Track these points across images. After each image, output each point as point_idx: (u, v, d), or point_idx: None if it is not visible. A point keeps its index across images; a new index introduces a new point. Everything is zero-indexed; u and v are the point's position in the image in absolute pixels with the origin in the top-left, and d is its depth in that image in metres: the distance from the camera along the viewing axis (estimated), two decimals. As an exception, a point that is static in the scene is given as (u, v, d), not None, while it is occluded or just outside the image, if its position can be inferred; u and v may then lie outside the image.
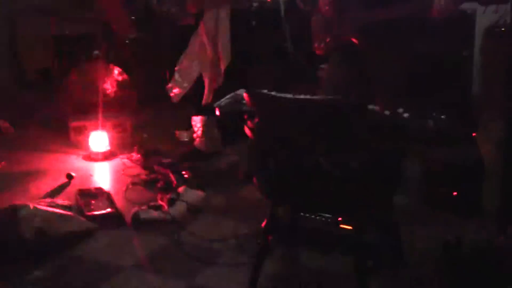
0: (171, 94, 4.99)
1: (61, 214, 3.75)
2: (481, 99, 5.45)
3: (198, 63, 4.83)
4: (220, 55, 4.69)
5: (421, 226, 3.73)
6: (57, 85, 6.42)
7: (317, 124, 2.60)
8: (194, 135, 5.09)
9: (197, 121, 5.02)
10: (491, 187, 3.91)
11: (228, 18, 4.66)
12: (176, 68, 5.03)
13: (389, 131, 2.61)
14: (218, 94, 4.65)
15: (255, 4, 6.07)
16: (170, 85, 5.00)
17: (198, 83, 4.86)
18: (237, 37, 4.73)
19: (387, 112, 2.63)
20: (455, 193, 3.86)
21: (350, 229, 2.89)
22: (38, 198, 4.17)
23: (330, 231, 3.07)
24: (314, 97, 2.73)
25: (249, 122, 2.81)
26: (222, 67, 4.71)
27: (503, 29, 5.02)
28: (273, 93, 2.73)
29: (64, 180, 4.69)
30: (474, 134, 4.85)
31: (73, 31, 6.76)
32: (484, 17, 4.96)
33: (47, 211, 3.71)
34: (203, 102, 4.79)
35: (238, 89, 3.13)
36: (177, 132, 5.59)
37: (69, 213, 3.87)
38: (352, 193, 2.70)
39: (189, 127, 5.33)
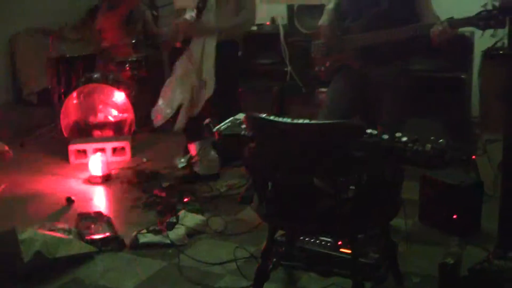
0: (153, 119, 5.00)
1: (60, 238, 3.75)
2: (480, 121, 5.47)
3: (181, 89, 4.83)
4: (204, 84, 4.70)
5: (419, 247, 3.74)
6: (56, 107, 6.43)
7: (316, 148, 2.61)
8: (193, 160, 5.09)
9: (194, 146, 5.02)
10: (490, 209, 3.92)
11: (214, 47, 4.66)
12: (160, 94, 5.04)
13: (387, 155, 2.62)
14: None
15: (253, 28, 6.11)
16: (154, 108, 5.00)
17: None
18: (225, 64, 4.73)
19: (385, 136, 2.64)
20: (455, 216, 3.85)
21: (349, 252, 2.88)
22: (38, 222, 4.17)
23: (328, 253, 3.06)
24: (313, 121, 2.74)
25: (248, 146, 2.82)
26: (206, 96, 4.72)
27: (501, 51, 5.06)
28: (271, 117, 2.74)
29: (64, 203, 4.70)
30: (474, 157, 4.87)
31: (72, 52, 6.79)
32: (482, 40, 4.99)
33: (47, 234, 3.71)
34: (175, 127, 4.80)
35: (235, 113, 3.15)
36: (174, 160, 5.60)
37: (68, 236, 3.87)
38: (350, 216, 2.70)
39: (186, 152, 5.34)
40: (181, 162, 5.48)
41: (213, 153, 5.09)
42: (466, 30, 5.11)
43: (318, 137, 2.61)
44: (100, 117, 6.20)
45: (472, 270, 3.03)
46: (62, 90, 6.59)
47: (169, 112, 4.88)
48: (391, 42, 3.67)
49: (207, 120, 4.78)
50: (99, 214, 4.30)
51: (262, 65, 6.35)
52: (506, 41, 4.18)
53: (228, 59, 4.77)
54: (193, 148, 5.05)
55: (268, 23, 6.58)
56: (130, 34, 6.99)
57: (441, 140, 2.58)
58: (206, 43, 4.68)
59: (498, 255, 3.08)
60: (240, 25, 4.85)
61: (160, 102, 4.97)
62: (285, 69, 6.09)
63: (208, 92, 4.70)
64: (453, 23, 3.41)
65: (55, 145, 6.23)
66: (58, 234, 3.81)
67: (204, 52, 4.69)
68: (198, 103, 4.78)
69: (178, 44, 4.91)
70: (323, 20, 3.97)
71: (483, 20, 3.25)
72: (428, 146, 2.53)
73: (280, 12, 6.40)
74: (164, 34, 6.92)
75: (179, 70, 4.89)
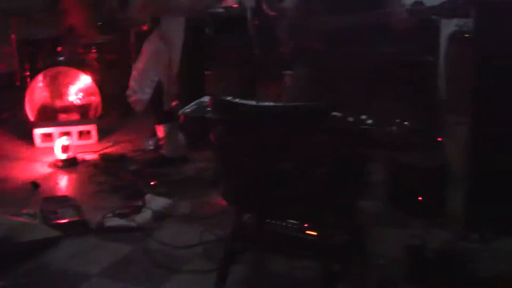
0: (130, 101, 4.96)
1: (25, 223, 3.72)
2: (447, 104, 5.50)
3: (154, 69, 4.82)
4: (172, 62, 4.70)
5: (386, 229, 3.76)
6: (21, 90, 6.34)
7: (281, 131, 2.60)
8: (160, 142, 5.07)
9: (161, 129, 5.00)
10: (456, 191, 3.96)
11: (182, 27, 4.67)
12: (131, 75, 5.01)
13: (352, 137, 2.61)
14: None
15: (220, 10, 6.07)
16: (128, 92, 4.97)
17: (158, 91, 4.86)
18: (192, 45, 4.72)
19: (350, 119, 2.64)
20: (420, 198, 3.88)
21: (316, 235, 2.89)
22: (2, 207, 4.12)
23: (296, 236, 3.06)
24: (278, 104, 2.73)
25: (213, 129, 2.80)
26: (173, 73, 4.73)
27: (466, 35, 5.08)
28: (236, 100, 2.73)
29: (29, 188, 4.64)
30: (439, 139, 4.90)
31: (37, 35, 6.69)
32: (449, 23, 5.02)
33: (12, 220, 3.67)
34: (165, 108, 4.78)
35: (202, 95, 3.13)
36: (143, 142, 5.57)
37: (34, 221, 3.83)
38: (317, 199, 2.70)
39: (153, 134, 5.32)
40: (149, 144, 5.46)
41: (180, 136, 5.07)
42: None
43: (283, 120, 2.60)
44: (66, 100, 6.13)
45: (437, 251, 3.06)
46: (27, 73, 6.51)
47: (147, 91, 4.86)
48: (355, 26, 3.66)
49: (174, 103, 4.76)
50: (65, 198, 4.27)
51: (230, 48, 6.31)
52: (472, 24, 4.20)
53: (196, 38, 4.77)
54: (160, 130, 5.03)
55: (235, 5, 6.54)
56: (96, 17, 6.93)
57: (405, 123, 2.58)
58: (174, 22, 4.67)
59: (462, 237, 3.12)
60: (207, 3, 4.86)
61: (133, 83, 4.94)
62: (254, 51, 6.06)
63: (175, 70, 4.70)
64: (417, 11, 3.40)
65: (20, 129, 6.14)
66: (23, 219, 3.77)
67: (173, 31, 4.68)
68: (174, 81, 4.77)
69: (144, 27, 4.88)
70: (288, 1, 3.96)
71: (448, 9, 3.23)
72: (393, 128, 2.53)
73: (247, -6, 6.37)
74: (129, 18, 6.87)
75: (149, 51, 4.87)
